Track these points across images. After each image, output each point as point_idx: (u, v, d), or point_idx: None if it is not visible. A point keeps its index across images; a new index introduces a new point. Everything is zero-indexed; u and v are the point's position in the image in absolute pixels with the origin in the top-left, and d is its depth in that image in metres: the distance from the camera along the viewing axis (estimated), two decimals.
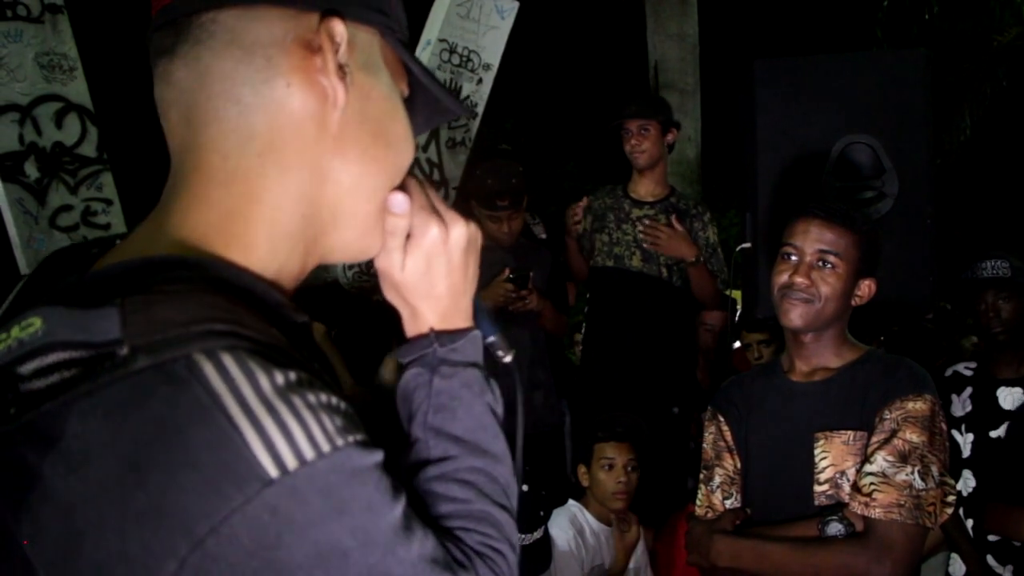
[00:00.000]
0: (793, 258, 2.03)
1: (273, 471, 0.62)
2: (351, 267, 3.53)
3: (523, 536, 2.75)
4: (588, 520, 3.23)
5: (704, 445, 2.24)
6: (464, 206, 4.13)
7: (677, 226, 3.85)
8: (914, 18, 9.44)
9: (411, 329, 0.90)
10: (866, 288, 2.06)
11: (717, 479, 2.17)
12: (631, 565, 3.29)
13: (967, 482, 3.03)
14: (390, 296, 0.90)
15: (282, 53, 0.76)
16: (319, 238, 0.81)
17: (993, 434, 2.98)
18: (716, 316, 4.37)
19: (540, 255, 3.96)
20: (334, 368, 0.93)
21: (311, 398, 0.66)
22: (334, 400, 0.68)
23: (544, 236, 4.43)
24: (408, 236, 0.86)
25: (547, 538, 2.88)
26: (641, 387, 3.87)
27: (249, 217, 0.77)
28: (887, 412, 1.94)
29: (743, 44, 8.38)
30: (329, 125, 0.78)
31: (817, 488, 2.00)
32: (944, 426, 1.98)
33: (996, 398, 3.01)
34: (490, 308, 0.98)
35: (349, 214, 0.82)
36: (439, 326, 0.88)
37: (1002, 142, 10.15)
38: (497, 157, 4.25)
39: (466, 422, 0.85)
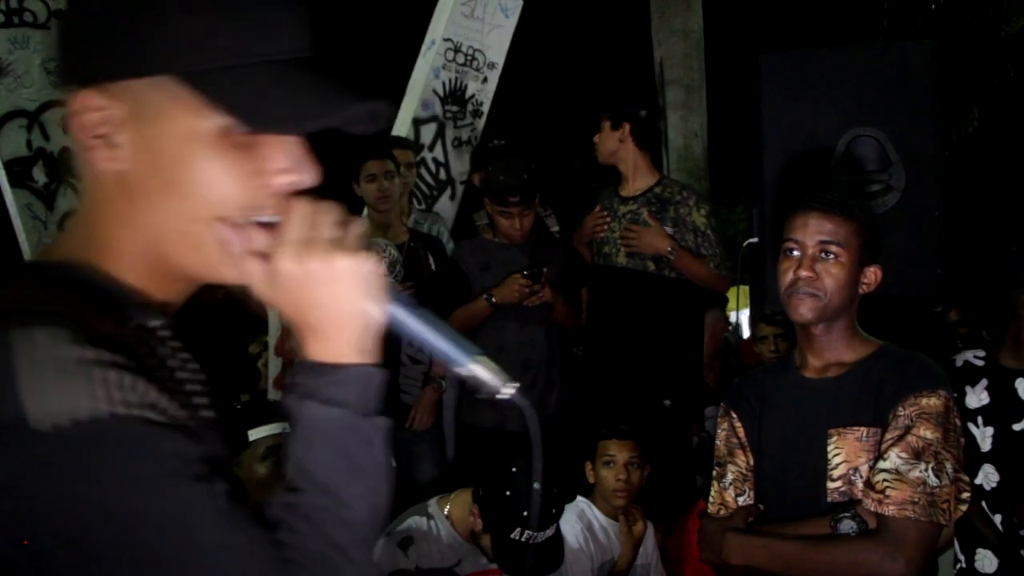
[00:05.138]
0: (795, 253, 2.03)
1: (43, 424, 0.72)
2: None
3: (535, 534, 2.76)
4: (596, 515, 3.24)
5: (717, 442, 2.24)
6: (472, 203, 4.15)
7: (649, 221, 3.82)
8: (920, 9, 9.41)
9: (302, 353, 0.92)
10: (872, 275, 2.05)
11: (730, 476, 2.16)
12: (639, 561, 3.30)
13: (989, 477, 3.00)
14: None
15: (72, 130, 0.87)
16: (168, 267, 0.90)
17: (1016, 427, 2.95)
18: (709, 320, 4.34)
19: (553, 252, 3.97)
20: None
21: (111, 374, 0.75)
22: (133, 381, 0.77)
23: (556, 228, 4.44)
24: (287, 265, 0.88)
25: (559, 536, 2.88)
26: (632, 382, 3.85)
27: (109, 246, 0.89)
28: (901, 408, 1.93)
29: (748, 39, 8.36)
30: (121, 182, 0.87)
31: (830, 485, 2.00)
32: (958, 421, 1.97)
33: (1015, 390, 2.98)
34: (460, 335, 0.98)
35: (175, 251, 0.88)
36: (320, 357, 0.89)
37: (1010, 133, 10.10)
38: (496, 155, 4.26)
39: (320, 459, 0.87)
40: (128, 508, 0.76)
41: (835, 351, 2.07)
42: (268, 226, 0.88)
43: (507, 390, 0.96)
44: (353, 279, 0.88)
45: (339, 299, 0.87)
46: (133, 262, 0.89)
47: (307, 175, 0.89)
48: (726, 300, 5.13)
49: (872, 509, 1.90)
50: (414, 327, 0.96)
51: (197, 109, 0.84)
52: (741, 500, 2.13)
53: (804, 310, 2.01)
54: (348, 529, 0.86)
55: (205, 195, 0.86)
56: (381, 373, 0.92)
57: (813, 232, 2.01)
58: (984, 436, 3.00)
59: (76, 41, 0.87)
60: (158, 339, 0.88)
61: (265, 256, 0.88)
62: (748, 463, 2.15)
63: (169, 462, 0.77)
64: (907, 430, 1.91)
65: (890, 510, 1.87)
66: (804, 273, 2.00)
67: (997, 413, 2.98)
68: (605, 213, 3.97)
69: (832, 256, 2.00)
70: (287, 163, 0.88)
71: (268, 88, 0.84)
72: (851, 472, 1.98)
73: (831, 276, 2.00)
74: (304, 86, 0.86)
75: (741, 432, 2.17)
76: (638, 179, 3.94)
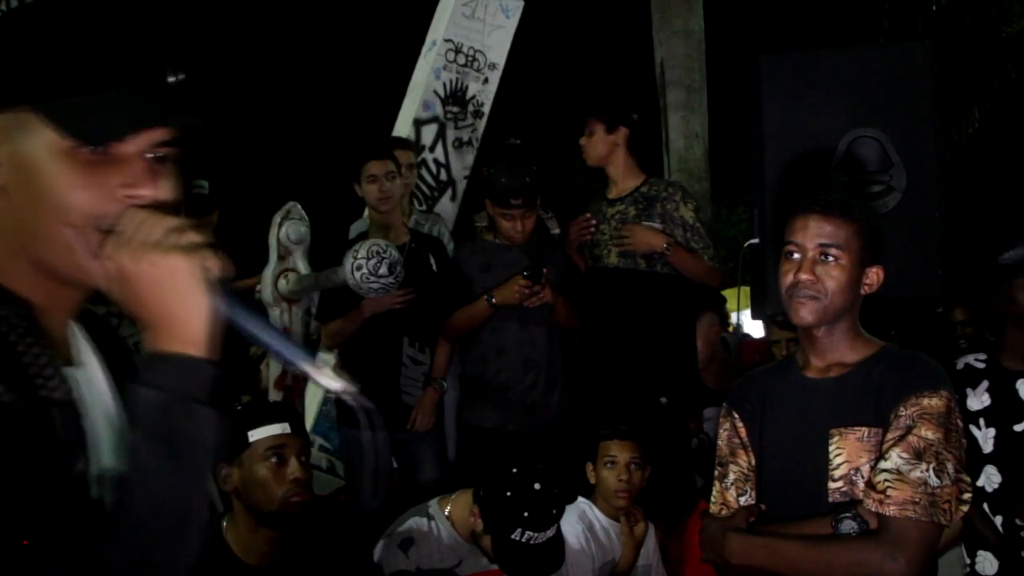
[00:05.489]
0: (796, 255, 2.03)
1: None
2: (358, 269, 3.54)
3: (535, 535, 2.76)
4: (597, 516, 3.24)
5: (718, 442, 2.24)
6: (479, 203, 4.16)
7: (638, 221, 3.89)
8: (921, 10, 9.41)
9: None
10: (874, 276, 2.05)
11: (731, 476, 2.16)
12: (640, 562, 3.29)
13: (991, 478, 3.00)
14: None
15: None
16: (46, 270, 1.05)
17: (1017, 428, 2.96)
18: (704, 324, 4.33)
19: (553, 253, 3.97)
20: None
21: None
22: None
23: (557, 231, 4.44)
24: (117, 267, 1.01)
25: (560, 537, 2.88)
26: (629, 380, 3.87)
27: (2, 254, 1.05)
28: (902, 409, 1.93)
29: (749, 40, 8.37)
30: (3, 196, 1.04)
31: (831, 485, 2.00)
32: (960, 422, 1.97)
33: (1016, 391, 2.99)
34: (295, 336, 1.08)
35: (42, 254, 1.04)
36: (158, 346, 1.00)
37: (1011, 134, 10.11)
38: (510, 153, 4.27)
39: (134, 437, 0.98)
40: None
41: (837, 352, 2.07)
42: (103, 234, 1.02)
43: (338, 388, 1.06)
44: (172, 278, 0.99)
45: (160, 295, 0.99)
46: (19, 265, 1.05)
47: (149, 190, 1.04)
48: (723, 302, 5.13)
49: (873, 509, 1.90)
50: (250, 327, 1.06)
51: (46, 133, 1.01)
52: (743, 500, 2.13)
53: (804, 313, 2.01)
54: (149, 502, 0.96)
55: (55, 204, 1.02)
56: (206, 365, 1.00)
57: (813, 234, 2.01)
58: (986, 438, 3.00)
59: None
60: (10, 327, 1.02)
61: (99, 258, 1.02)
62: (750, 463, 2.15)
63: None
64: (908, 430, 1.91)
65: (891, 510, 1.87)
66: (804, 276, 2.00)
67: (998, 414, 2.99)
68: (590, 217, 4.00)
69: (832, 259, 2.00)
70: (130, 179, 1.03)
71: (95, 111, 1.02)
72: (852, 472, 1.98)
73: (831, 279, 1.99)
74: (125, 109, 1.03)
75: (743, 432, 2.17)
76: (627, 180, 3.99)
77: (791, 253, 2.04)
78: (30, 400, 0.97)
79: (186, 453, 0.98)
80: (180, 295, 0.98)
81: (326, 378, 1.05)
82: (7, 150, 1.03)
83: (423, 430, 3.84)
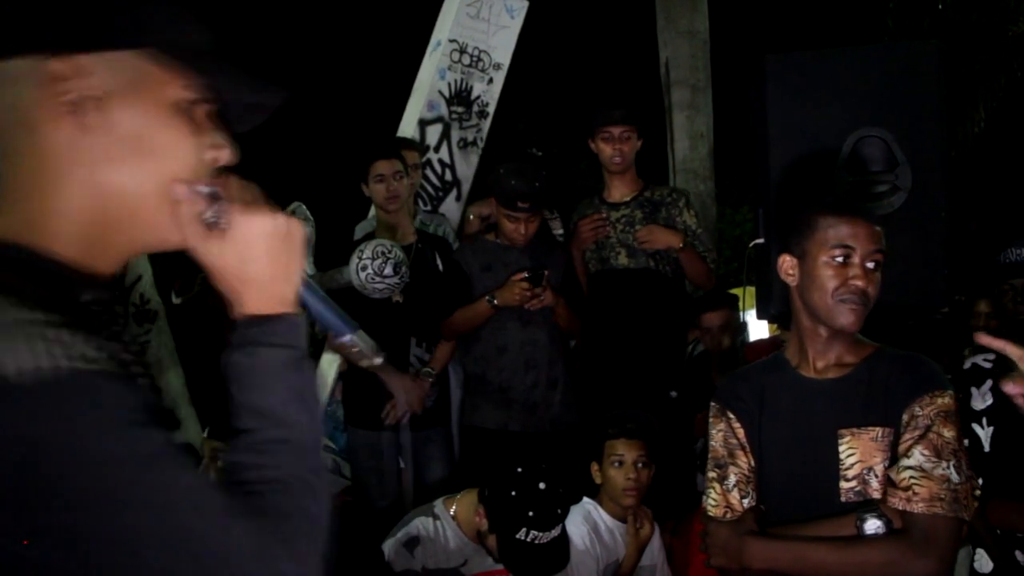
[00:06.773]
0: (847, 259, 2.00)
1: None
2: (362, 269, 3.54)
3: (540, 534, 2.76)
4: (602, 517, 3.23)
5: (713, 443, 2.19)
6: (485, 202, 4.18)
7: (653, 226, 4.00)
8: (926, 9, 9.40)
9: (236, 312, 1.01)
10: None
11: (733, 478, 2.13)
12: (645, 562, 3.29)
13: None
14: (217, 283, 1.01)
15: (32, 98, 0.91)
16: (114, 233, 0.96)
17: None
18: (714, 317, 4.37)
19: (555, 255, 3.97)
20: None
21: (50, 332, 0.80)
22: (76, 339, 0.82)
23: (560, 232, 4.44)
24: (224, 228, 0.98)
25: (565, 536, 2.88)
26: (639, 377, 3.93)
27: (45, 222, 0.93)
28: (918, 408, 1.94)
29: (754, 39, 8.36)
30: (86, 148, 0.92)
31: (844, 485, 1.99)
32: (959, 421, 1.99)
33: None
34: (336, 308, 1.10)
35: (131, 212, 0.95)
36: (254, 310, 0.98)
37: (1017, 134, 10.08)
38: (525, 158, 4.28)
39: (276, 397, 0.95)
40: (83, 449, 0.80)
41: (838, 352, 2.07)
42: (206, 195, 0.97)
43: (378, 360, 1.12)
44: (288, 237, 0.99)
45: (275, 254, 0.98)
46: (69, 235, 0.94)
47: (230, 154, 1.01)
48: (735, 299, 5.14)
49: (899, 507, 1.90)
50: (311, 296, 1.07)
51: (167, 82, 0.95)
52: (746, 502, 2.10)
53: (855, 319, 1.99)
54: (306, 456, 0.96)
55: (169, 159, 0.95)
56: (302, 322, 1.02)
57: (865, 241, 1.99)
58: (987, 437, 3.01)
59: (45, 7, 0.91)
60: (94, 311, 0.95)
61: (203, 220, 0.97)
62: (750, 464, 2.12)
63: (117, 408, 0.84)
64: (927, 429, 1.92)
65: (919, 507, 1.88)
66: (860, 283, 1.98)
67: (999, 414, 2.99)
68: (604, 216, 4.03)
69: (877, 265, 2.01)
70: (221, 141, 1.00)
71: (226, 69, 0.98)
72: (865, 472, 1.97)
73: (874, 285, 2.00)
74: (238, 73, 1.00)
75: (741, 433, 2.13)
76: (631, 185, 4.10)
77: (845, 257, 2.00)
78: (130, 377, 0.93)
79: (314, 406, 0.99)
80: (286, 255, 0.99)
81: (367, 349, 1.11)
82: (108, 99, 0.92)
83: (404, 412, 3.80)
